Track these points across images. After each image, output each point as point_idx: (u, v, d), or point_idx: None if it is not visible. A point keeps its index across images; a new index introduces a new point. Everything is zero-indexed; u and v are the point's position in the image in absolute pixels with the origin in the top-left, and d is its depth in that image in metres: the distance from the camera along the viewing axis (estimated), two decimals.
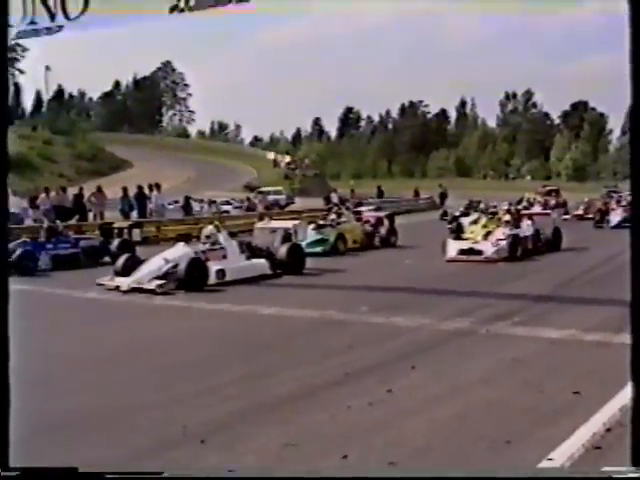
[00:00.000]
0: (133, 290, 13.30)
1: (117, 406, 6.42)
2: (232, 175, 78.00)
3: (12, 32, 9.48)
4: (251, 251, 15.86)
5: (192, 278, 13.49)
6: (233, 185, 66.20)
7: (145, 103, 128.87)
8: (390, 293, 13.40)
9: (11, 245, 16.02)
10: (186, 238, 17.07)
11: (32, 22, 9.64)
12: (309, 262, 16.46)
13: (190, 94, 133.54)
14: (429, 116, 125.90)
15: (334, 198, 38.94)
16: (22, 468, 3.21)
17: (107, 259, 17.83)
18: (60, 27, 9.68)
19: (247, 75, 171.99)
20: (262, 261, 15.60)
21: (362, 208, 29.54)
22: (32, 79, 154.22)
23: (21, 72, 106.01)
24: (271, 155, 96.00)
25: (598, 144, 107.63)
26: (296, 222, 19.95)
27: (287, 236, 17.41)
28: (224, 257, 14.98)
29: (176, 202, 34.81)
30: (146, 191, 28.69)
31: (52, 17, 9.60)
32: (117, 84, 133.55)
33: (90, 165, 76.17)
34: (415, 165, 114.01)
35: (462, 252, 17.98)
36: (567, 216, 33.94)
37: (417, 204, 49.12)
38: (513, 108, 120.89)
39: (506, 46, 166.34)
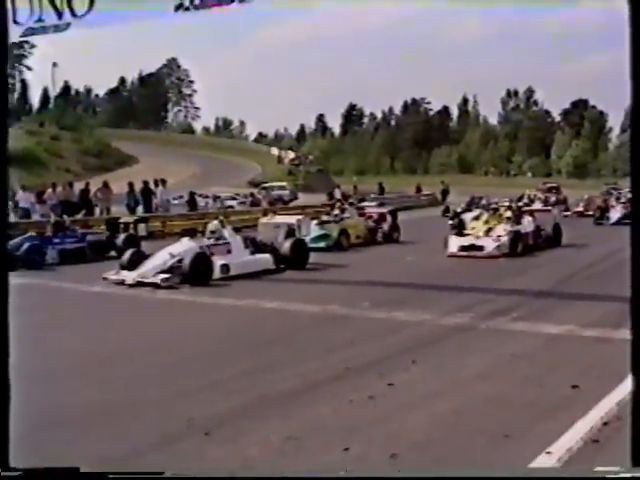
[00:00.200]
0: (138, 284, 13.39)
1: (121, 400, 6.51)
2: (236, 171, 77.89)
3: (20, 29, 9.58)
4: (255, 246, 15.95)
5: (197, 272, 13.58)
6: (237, 181, 66.09)
7: (151, 99, 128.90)
8: (392, 288, 13.47)
9: (19, 239, 16.17)
10: (191, 233, 17.13)
11: (39, 20, 9.70)
12: (312, 257, 16.53)
13: (195, 91, 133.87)
14: (431, 113, 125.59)
15: (337, 194, 39.00)
16: (23, 468, 3.19)
17: (113, 253, 17.96)
18: (67, 25, 9.75)
19: (251, 72, 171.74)
20: (266, 256, 15.69)
21: (365, 204, 29.60)
22: (39, 76, 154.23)
23: (29, 69, 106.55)
24: (275, 151, 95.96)
25: (598, 142, 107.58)
26: (300, 217, 20.06)
27: (291, 231, 17.49)
28: (228, 252, 15.07)
29: (181, 197, 34.87)
30: (152, 186, 28.83)
31: (59, 15, 9.66)
32: (123, 81, 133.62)
33: (96, 161, 76.15)
34: (417, 162, 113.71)
35: (463, 248, 18.04)
36: (567, 213, 33.99)
37: (419, 200, 49.11)
38: (514, 106, 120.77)
39: (507, 44, 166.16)
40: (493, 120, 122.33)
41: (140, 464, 4.83)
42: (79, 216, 24.10)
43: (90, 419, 6.00)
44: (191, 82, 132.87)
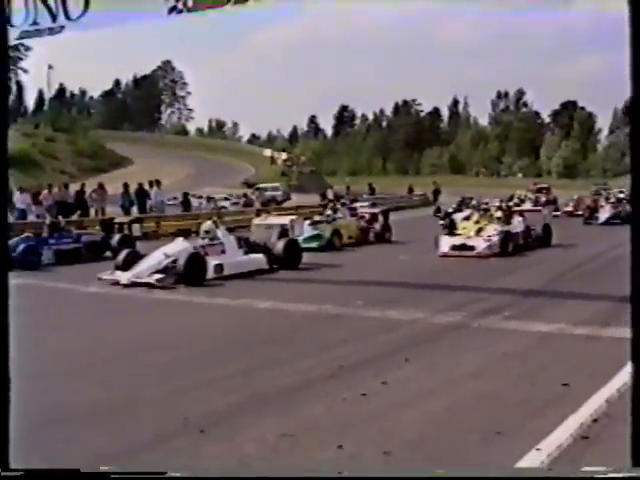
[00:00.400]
0: (133, 284, 13.44)
1: (119, 398, 6.57)
2: (230, 172, 77.98)
3: (15, 32, 9.65)
4: (249, 246, 16.02)
5: (191, 272, 13.65)
6: (231, 182, 66.16)
7: (145, 101, 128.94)
8: (384, 287, 13.54)
9: (15, 240, 16.21)
10: (185, 233, 17.20)
11: (34, 22, 9.78)
12: (305, 257, 16.60)
13: (189, 92, 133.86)
14: (422, 114, 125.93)
15: (330, 195, 39.10)
16: (23, 469, 3.18)
17: (108, 254, 18.03)
18: (62, 27, 9.83)
19: (244, 74, 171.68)
20: (259, 256, 15.76)
21: (357, 204, 29.71)
22: (34, 78, 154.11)
23: (24, 71, 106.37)
24: (268, 152, 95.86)
25: (587, 143, 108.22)
26: (293, 218, 20.13)
27: (284, 232, 17.54)
28: (222, 252, 15.15)
29: (175, 198, 34.92)
30: (146, 187, 28.89)
31: (54, 18, 9.75)
32: (117, 83, 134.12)
33: (91, 162, 76.39)
34: (409, 162, 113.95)
35: (455, 248, 18.13)
36: (557, 213, 34.14)
37: (411, 201, 49.22)
38: (505, 107, 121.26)
39: (498, 46, 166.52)
40: (484, 121, 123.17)
41: (135, 462, 4.89)
42: (74, 217, 24.17)
43: (86, 418, 6.05)
44: (185, 84, 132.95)
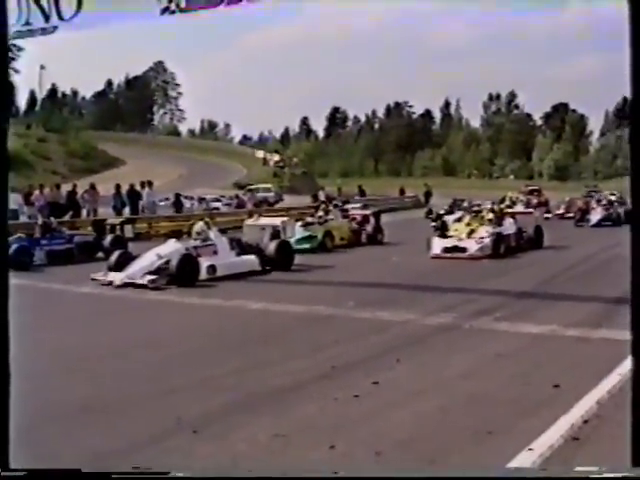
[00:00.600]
0: (126, 285, 13.44)
1: (112, 397, 6.58)
2: (222, 173, 77.83)
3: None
4: (241, 247, 16.01)
5: (184, 273, 13.66)
6: (223, 183, 66.07)
7: (137, 102, 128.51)
8: (376, 289, 13.58)
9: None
10: (177, 234, 17.19)
11: (27, 23, 9.77)
12: (297, 258, 16.61)
13: (181, 93, 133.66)
14: (414, 116, 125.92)
15: (322, 196, 39.08)
16: (23, 469, 3.19)
17: (100, 255, 17.99)
18: (54, 28, 9.82)
19: (236, 75, 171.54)
20: (252, 257, 15.75)
21: (349, 206, 29.72)
22: (27, 78, 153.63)
23: (16, 71, 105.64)
24: (260, 154, 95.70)
25: (579, 145, 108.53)
26: (285, 219, 20.14)
27: (276, 233, 17.54)
28: (215, 253, 15.16)
29: (167, 199, 34.87)
30: (138, 188, 28.84)
31: (46, 18, 9.74)
32: (109, 83, 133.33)
33: (83, 163, 76.17)
34: (401, 164, 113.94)
35: (446, 249, 18.14)
36: (549, 215, 34.22)
37: (403, 202, 49.24)
38: (496, 109, 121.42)
39: (489, 48, 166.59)
40: (475, 123, 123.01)
41: (132, 461, 4.90)
42: (66, 218, 24.13)
43: (79, 416, 6.06)
44: (177, 85, 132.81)
